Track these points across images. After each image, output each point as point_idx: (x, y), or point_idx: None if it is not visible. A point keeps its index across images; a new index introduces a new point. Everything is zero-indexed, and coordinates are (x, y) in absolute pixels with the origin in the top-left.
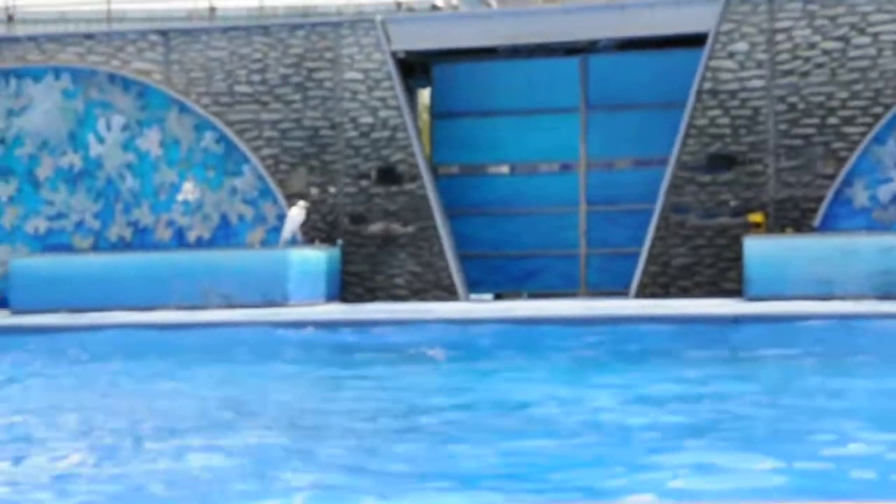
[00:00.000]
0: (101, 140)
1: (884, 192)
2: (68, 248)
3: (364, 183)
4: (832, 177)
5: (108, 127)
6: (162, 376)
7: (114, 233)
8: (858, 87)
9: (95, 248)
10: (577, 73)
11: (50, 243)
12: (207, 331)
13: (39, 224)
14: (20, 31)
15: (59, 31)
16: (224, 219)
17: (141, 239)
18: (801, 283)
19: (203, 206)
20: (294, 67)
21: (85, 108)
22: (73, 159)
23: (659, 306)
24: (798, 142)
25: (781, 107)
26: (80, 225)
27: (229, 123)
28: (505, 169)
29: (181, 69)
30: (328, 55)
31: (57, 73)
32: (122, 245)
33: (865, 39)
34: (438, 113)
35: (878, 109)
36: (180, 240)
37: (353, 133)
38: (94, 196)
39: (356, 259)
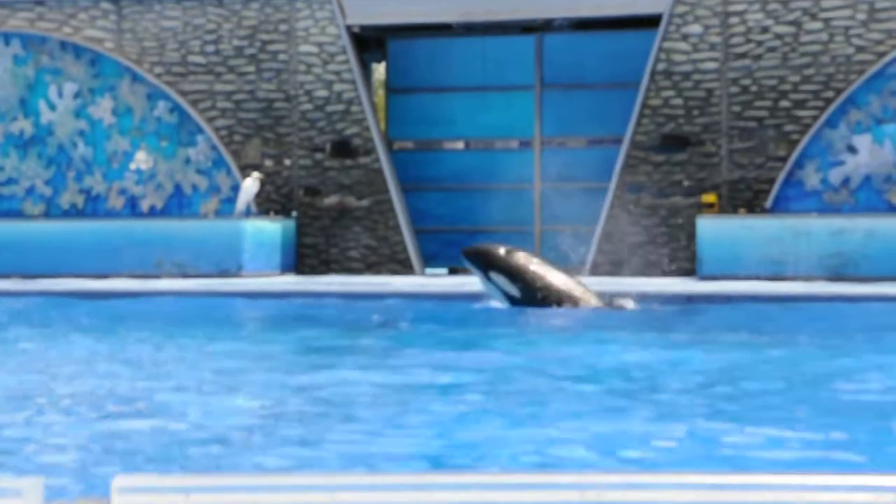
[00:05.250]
0: (52, 107)
1: (835, 175)
2: (19, 214)
3: (318, 156)
4: (784, 159)
5: (60, 94)
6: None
7: (66, 200)
8: (810, 71)
9: (47, 214)
10: (532, 52)
11: (0, 209)
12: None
13: None
14: None
15: None
16: (178, 188)
17: (93, 207)
18: (752, 263)
19: (156, 175)
20: (248, 39)
21: (36, 75)
22: (24, 125)
23: (613, 284)
24: (751, 124)
25: (734, 89)
26: (30, 191)
27: (183, 93)
28: (460, 145)
29: (134, 38)
30: (282, 28)
31: (7, 38)
32: (74, 212)
33: (817, 25)
34: (394, 88)
35: (829, 94)
36: (133, 208)
37: (308, 106)
38: (46, 163)
39: (311, 231)
